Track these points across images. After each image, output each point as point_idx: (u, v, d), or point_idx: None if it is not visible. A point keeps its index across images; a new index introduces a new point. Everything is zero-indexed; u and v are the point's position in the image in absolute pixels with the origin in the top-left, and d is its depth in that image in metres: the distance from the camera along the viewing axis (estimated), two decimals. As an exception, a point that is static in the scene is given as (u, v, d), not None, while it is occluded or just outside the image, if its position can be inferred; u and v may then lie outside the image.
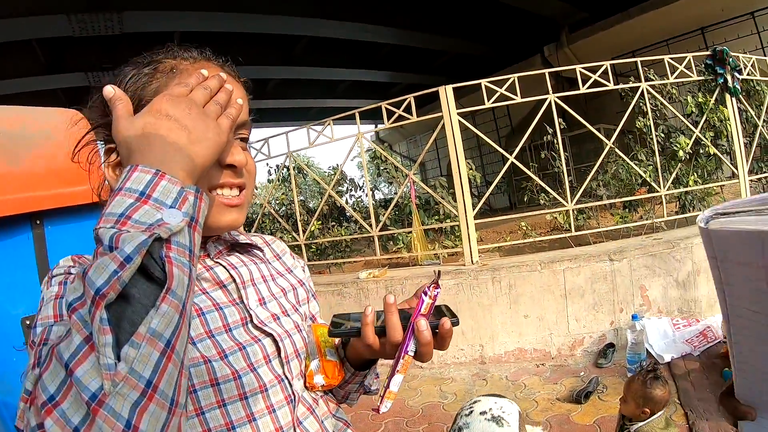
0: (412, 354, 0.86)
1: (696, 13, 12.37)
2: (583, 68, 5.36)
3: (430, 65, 16.93)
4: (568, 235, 5.36)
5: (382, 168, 6.02)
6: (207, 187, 0.82)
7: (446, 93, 5.24)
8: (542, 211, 5.73)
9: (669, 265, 4.85)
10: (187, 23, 10.92)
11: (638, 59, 5.69)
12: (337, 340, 1.04)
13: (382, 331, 0.86)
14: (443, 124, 5.26)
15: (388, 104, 5.49)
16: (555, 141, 5.48)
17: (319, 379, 0.98)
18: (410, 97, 5.36)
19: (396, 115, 5.44)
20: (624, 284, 4.77)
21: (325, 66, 15.02)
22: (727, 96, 5.86)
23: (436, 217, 5.77)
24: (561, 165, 5.40)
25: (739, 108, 5.94)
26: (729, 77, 5.78)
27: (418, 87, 5.50)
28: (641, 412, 2.44)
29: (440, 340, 0.86)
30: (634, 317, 4.36)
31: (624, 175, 5.85)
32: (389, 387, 0.86)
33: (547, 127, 5.50)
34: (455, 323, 0.86)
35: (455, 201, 5.31)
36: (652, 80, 5.77)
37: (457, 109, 5.33)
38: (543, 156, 5.80)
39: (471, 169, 5.37)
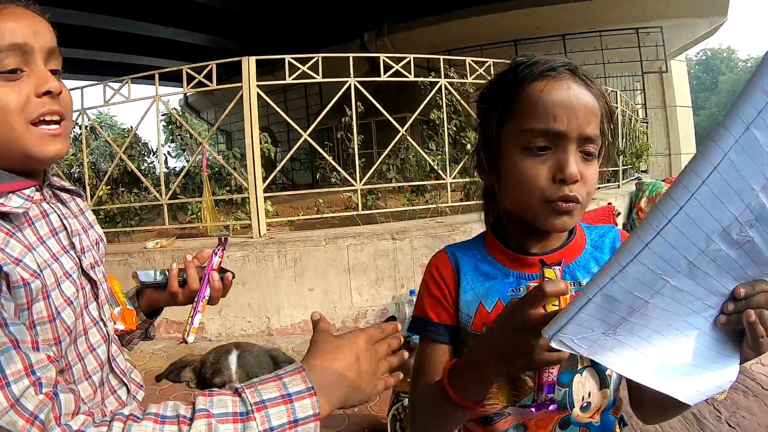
0: (207, 297, 1.20)
1: (511, 26, 13.48)
2: (387, 57, 5.58)
3: (247, 34, 16.37)
4: (357, 213, 5.56)
5: (176, 134, 5.76)
6: (27, 123, 0.86)
7: (248, 64, 5.15)
8: (336, 189, 5.91)
9: (448, 246, 5.25)
10: None
11: (442, 57, 6.06)
12: (127, 292, 1.23)
13: (183, 283, 1.20)
14: (242, 94, 5.17)
15: (189, 68, 5.27)
16: (351, 123, 5.64)
17: (119, 325, 1.12)
18: (212, 64, 5.19)
19: (196, 81, 5.24)
20: (405, 262, 5.09)
21: (136, 19, 14.03)
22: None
23: (228, 188, 5.66)
24: (354, 146, 5.59)
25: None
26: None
27: (233, 54, 5.33)
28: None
29: (225, 288, 1.26)
30: (411, 292, 4.66)
31: (413, 162, 6.21)
32: (193, 323, 1.18)
33: (347, 109, 5.64)
34: (233, 276, 1.27)
35: (248, 173, 5.26)
36: (452, 77, 6.17)
37: (269, 81, 5.28)
38: (339, 136, 5.96)
39: (267, 142, 5.35)
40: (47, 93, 0.87)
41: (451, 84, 6.14)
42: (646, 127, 12.91)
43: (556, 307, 0.74)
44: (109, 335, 1.03)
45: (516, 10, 13.49)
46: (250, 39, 16.68)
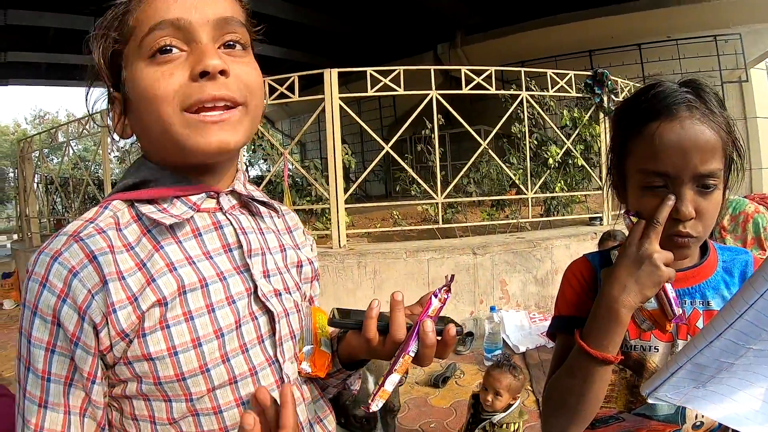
0: (413, 355, 0.81)
1: (586, 36, 13.20)
2: (468, 70, 5.55)
3: (324, 46, 16.73)
4: (436, 226, 5.52)
5: (258, 144, 5.88)
6: (179, 110, 0.73)
7: (330, 76, 5.20)
8: (414, 202, 5.87)
9: (529, 263, 5.16)
10: None
11: (523, 69, 5.98)
12: (332, 332, 0.97)
13: (384, 329, 0.81)
14: (324, 106, 5.21)
15: (271, 80, 5.36)
16: (432, 135, 5.61)
17: (305, 366, 0.90)
18: (294, 76, 5.27)
19: (278, 93, 5.33)
20: (485, 277, 5.01)
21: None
22: (601, 114, 6.31)
23: (308, 199, 5.72)
24: (435, 159, 5.54)
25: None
26: (605, 98, 6.23)
27: (309, 66, 5.45)
28: (498, 400, 2.55)
29: (443, 345, 0.82)
30: (492, 309, 4.58)
31: (495, 176, 6.13)
32: (384, 386, 0.82)
33: (427, 122, 5.62)
34: (459, 332, 0.82)
35: (329, 184, 5.30)
36: (533, 90, 6.07)
37: (344, 93, 5.32)
38: (419, 149, 5.93)
39: (347, 154, 5.38)
40: (204, 74, 0.73)
41: (532, 96, 6.03)
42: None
43: (653, 306, 0.91)
44: (285, 379, 0.85)
45: (590, 19, 13.24)
46: (325, 51, 17.01)
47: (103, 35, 0.78)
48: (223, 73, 0.73)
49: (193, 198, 0.80)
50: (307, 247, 1.01)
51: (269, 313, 0.83)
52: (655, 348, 1.00)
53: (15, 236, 14.03)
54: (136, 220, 0.77)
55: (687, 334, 0.99)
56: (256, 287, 0.82)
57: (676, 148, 0.90)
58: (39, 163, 8.85)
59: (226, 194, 0.85)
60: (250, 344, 0.80)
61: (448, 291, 0.82)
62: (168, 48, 0.74)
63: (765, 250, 7.23)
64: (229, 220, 0.83)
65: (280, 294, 0.86)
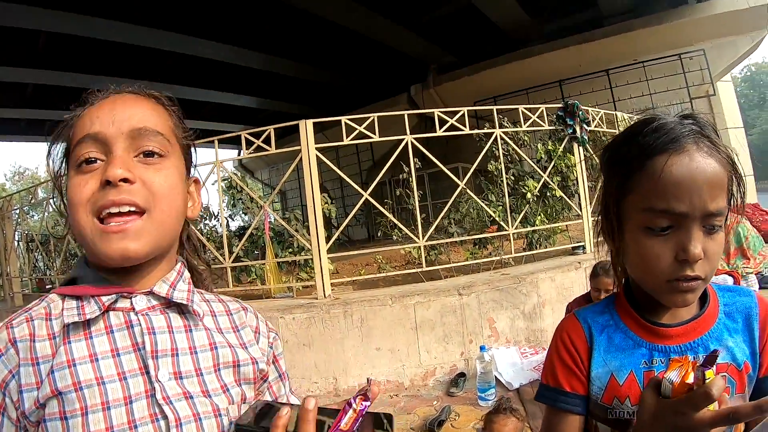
0: None
1: (555, 67, 13.56)
2: (441, 112, 5.63)
3: (299, 94, 16.93)
4: (420, 270, 5.52)
5: (237, 198, 5.89)
6: (92, 216, 0.80)
7: (306, 127, 5.24)
8: (396, 246, 5.89)
9: (515, 299, 5.18)
10: (56, 24, 10.18)
11: (495, 107, 6.10)
12: None
13: None
14: (301, 157, 5.25)
15: (248, 133, 5.41)
16: (410, 179, 5.66)
17: None
18: (270, 129, 5.30)
19: (255, 145, 5.36)
20: (473, 317, 5.01)
21: (192, 86, 14.58)
22: (575, 145, 6.43)
23: (291, 250, 5.71)
24: (414, 202, 5.58)
25: (585, 156, 6.49)
26: (578, 128, 6.35)
27: (285, 114, 5.53)
28: None
29: None
30: (482, 348, 4.56)
31: (475, 214, 6.18)
32: None
33: (404, 165, 5.67)
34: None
35: (310, 234, 5.30)
36: (506, 127, 6.18)
37: (321, 140, 5.38)
38: (398, 193, 5.98)
39: (327, 203, 5.40)
40: (108, 182, 0.79)
41: (506, 133, 6.13)
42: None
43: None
44: None
45: (557, 50, 13.60)
46: (301, 99, 17.23)
47: (54, 144, 0.91)
48: (126, 180, 0.80)
49: (104, 298, 0.82)
50: (255, 346, 0.96)
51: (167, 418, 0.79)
52: None
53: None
54: (62, 314, 0.82)
55: None
56: (155, 390, 0.79)
57: (686, 183, 0.85)
58: (19, 220, 8.76)
59: (145, 295, 0.86)
60: None
61: (365, 399, 0.74)
62: (92, 159, 0.82)
63: (748, 259, 7.35)
64: (140, 319, 0.83)
65: (192, 397, 0.82)
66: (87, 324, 0.81)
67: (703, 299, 0.99)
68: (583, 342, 1.02)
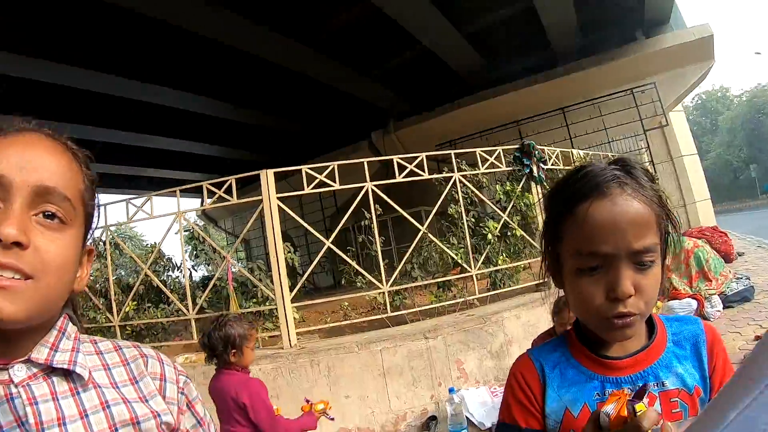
0: None
1: (512, 108, 13.93)
2: (399, 158, 5.74)
3: (261, 142, 16.99)
4: (385, 315, 5.52)
5: (200, 249, 5.84)
6: None
7: (267, 177, 5.28)
8: (361, 293, 5.91)
9: (482, 339, 5.22)
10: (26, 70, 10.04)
11: (453, 152, 6.24)
12: None
13: None
14: (262, 207, 5.28)
15: (210, 183, 5.43)
16: (371, 225, 5.72)
17: None
18: (231, 179, 5.34)
19: (217, 196, 5.38)
20: (440, 359, 5.01)
21: (158, 134, 14.52)
22: (533, 183, 6.60)
23: (254, 300, 5.67)
24: (377, 248, 5.62)
25: (543, 194, 6.66)
26: (534, 167, 6.54)
27: (247, 163, 5.56)
28: None
29: None
30: (451, 390, 4.56)
31: (437, 257, 6.25)
32: None
33: (365, 212, 5.73)
34: None
35: (273, 283, 5.29)
36: (464, 170, 6.32)
37: (284, 188, 5.46)
38: (361, 239, 6.02)
39: (290, 251, 5.41)
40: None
41: (464, 177, 6.26)
42: (657, 182, 12.85)
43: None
44: None
45: (513, 92, 13.99)
46: (264, 147, 17.28)
47: None
48: (18, 244, 0.71)
49: None
50: (158, 396, 0.88)
51: None
52: None
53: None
54: None
55: None
56: None
57: (608, 226, 0.89)
58: None
59: (23, 363, 0.77)
60: None
61: None
62: None
63: (710, 281, 7.52)
64: (18, 392, 0.74)
65: None
66: None
67: (651, 330, 1.03)
68: (536, 380, 1.04)
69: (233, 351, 2.80)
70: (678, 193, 14.44)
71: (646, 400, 0.78)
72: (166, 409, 0.86)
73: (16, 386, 0.74)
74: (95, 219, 0.89)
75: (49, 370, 0.78)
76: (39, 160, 0.76)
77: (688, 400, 0.97)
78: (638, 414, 0.75)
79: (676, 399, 0.97)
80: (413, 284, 6.08)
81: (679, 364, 1.00)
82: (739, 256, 11.33)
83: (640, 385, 0.91)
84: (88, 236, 0.88)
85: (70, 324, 0.86)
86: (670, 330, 1.04)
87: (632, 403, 0.76)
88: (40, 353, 0.78)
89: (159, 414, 0.84)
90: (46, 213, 0.76)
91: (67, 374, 0.80)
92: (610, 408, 0.79)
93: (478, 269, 6.07)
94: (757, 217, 27.59)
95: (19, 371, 0.76)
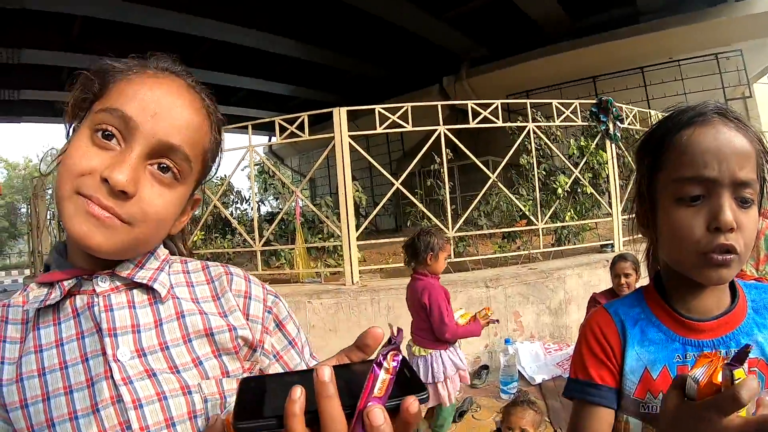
0: None
1: (589, 63, 13.37)
2: (474, 104, 5.62)
3: (332, 83, 16.97)
4: (449, 261, 5.52)
5: (269, 183, 5.95)
6: (73, 190, 0.71)
7: (340, 115, 5.28)
8: (427, 237, 5.90)
9: (542, 293, 5.17)
10: (91, 9, 10.32)
11: (528, 101, 6.07)
12: None
13: (314, 420, 0.51)
14: (333, 144, 5.29)
15: (282, 119, 5.47)
16: (441, 170, 5.67)
17: None
18: (304, 116, 5.36)
19: (288, 132, 5.42)
20: (499, 310, 4.98)
21: (226, 72, 14.64)
22: (608, 142, 6.37)
23: (320, 236, 5.76)
24: (445, 193, 5.59)
25: (618, 153, 6.44)
26: (611, 125, 6.28)
27: (316, 103, 5.57)
28: None
29: (402, 426, 0.53)
30: (506, 341, 4.56)
31: (504, 208, 6.16)
32: None
33: (435, 156, 5.68)
34: (425, 399, 0.54)
35: (340, 221, 5.36)
36: (539, 122, 6.15)
37: (352, 129, 5.42)
38: (429, 183, 5.99)
39: (357, 191, 5.44)
40: (106, 180, 0.70)
41: (539, 128, 6.10)
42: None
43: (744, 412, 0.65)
44: None
45: (592, 45, 13.39)
46: (330, 88, 17.23)
47: (85, 80, 0.80)
48: (125, 193, 0.71)
49: (66, 282, 0.77)
50: (238, 312, 0.86)
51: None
52: None
53: (27, 271, 14.07)
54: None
55: None
56: (111, 371, 0.73)
57: (713, 150, 0.85)
58: (51, 200, 8.97)
59: (108, 275, 0.79)
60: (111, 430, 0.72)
61: (397, 354, 0.54)
62: (109, 134, 0.73)
63: None
64: (98, 300, 0.77)
65: (155, 375, 0.75)
66: (57, 310, 0.77)
67: (733, 295, 0.97)
68: (616, 335, 0.98)
69: (431, 254, 3.33)
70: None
71: (746, 366, 0.64)
72: (244, 325, 0.85)
73: (97, 295, 0.77)
74: (211, 173, 0.90)
75: (132, 285, 0.80)
76: (173, 113, 0.76)
77: (766, 371, 0.91)
78: (737, 382, 0.61)
79: (755, 369, 0.90)
80: (478, 232, 6.04)
81: (759, 332, 0.93)
82: (817, 246, 10.80)
83: (736, 349, 0.81)
84: (198, 187, 0.88)
85: (161, 247, 0.88)
86: (749, 296, 0.98)
87: (730, 368, 0.62)
88: (124, 268, 0.80)
89: (235, 328, 0.83)
90: (162, 165, 0.76)
91: (150, 290, 0.81)
92: (699, 372, 0.66)
93: (545, 223, 5.97)
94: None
95: (102, 282, 0.78)
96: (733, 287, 0.97)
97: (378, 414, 0.49)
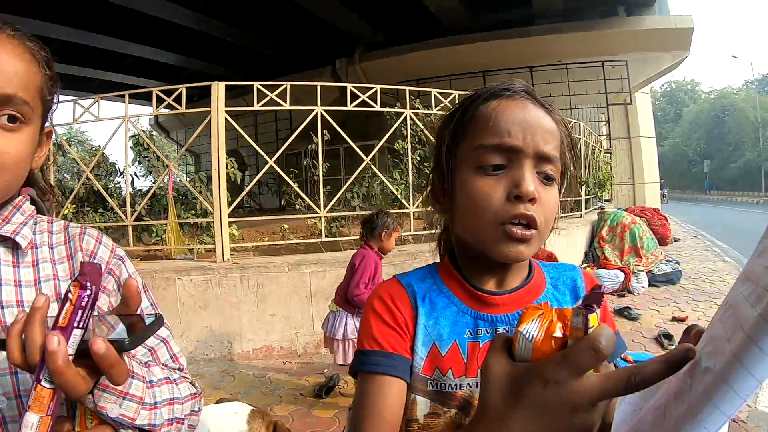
0: (49, 386, 0.58)
1: (480, 58, 13.92)
2: (354, 87, 5.72)
3: (225, 56, 16.50)
4: (320, 240, 5.63)
5: (143, 155, 5.77)
6: None
7: (218, 89, 5.22)
8: (299, 216, 6.00)
9: (409, 274, 5.36)
10: None
11: (408, 88, 6.21)
12: None
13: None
14: (210, 119, 5.24)
15: (160, 90, 5.34)
16: (317, 150, 5.76)
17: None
18: (182, 87, 5.27)
19: (165, 103, 5.30)
20: (368, 289, 5.16)
21: (113, 36, 13.96)
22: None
23: (193, 212, 5.68)
24: (319, 174, 5.69)
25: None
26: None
27: (207, 75, 5.44)
28: None
29: (100, 362, 0.58)
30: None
31: (379, 190, 6.32)
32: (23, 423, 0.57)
33: (313, 136, 5.75)
34: (120, 343, 0.59)
35: (213, 197, 5.31)
36: (417, 108, 6.35)
37: (239, 105, 5.41)
38: (306, 163, 6.04)
39: (233, 167, 5.40)
40: None
41: (416, 115, 6.29)
42: (610, 157, 13.26)
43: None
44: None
45: (484, 42, 13.90)
46: (223, 61, 16.79)
47: None
48: None
49: None
50: (50, 281, 0.88)
51: None
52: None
53: None
54: None
55: None
56: None
57: (519, 121, 0.82)
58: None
59: None
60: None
61: (82, 287, 0.59)
62: None
63: (641, 258, 7.88)
64: None
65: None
66: None
67: (529, 270, 0.94)
68: (408, 306, 0.90)
69: (385, 231, 3.79)
70: (629, 171, 14.86)
71: (598, 311, 0.50)
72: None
73: None
74: (54, 104, 0.91)
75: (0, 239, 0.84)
76: (0, 67, 0.77)
77: None
78: (591, 329, 0.48)
79: None
80: (350, 213, 6.19)
81: (558, 306, 0.76)
82: (675, 241, 12.01)
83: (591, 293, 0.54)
84: (47, 120, 0.91)
85: (28, 203, 0.90)
86: (548, 274, 0.97)
87: (586, 312, 0.49)
88: None
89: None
90: (10, 116, 0.78)
91: (15, 248, 0.85)
92: (532, 327, 0.51)
93: (416, 207, 6.19)
94: (702, 210, 28.29)
95: None
96: (530, 266, 0.95)
97: (55, 341, 0.57)
